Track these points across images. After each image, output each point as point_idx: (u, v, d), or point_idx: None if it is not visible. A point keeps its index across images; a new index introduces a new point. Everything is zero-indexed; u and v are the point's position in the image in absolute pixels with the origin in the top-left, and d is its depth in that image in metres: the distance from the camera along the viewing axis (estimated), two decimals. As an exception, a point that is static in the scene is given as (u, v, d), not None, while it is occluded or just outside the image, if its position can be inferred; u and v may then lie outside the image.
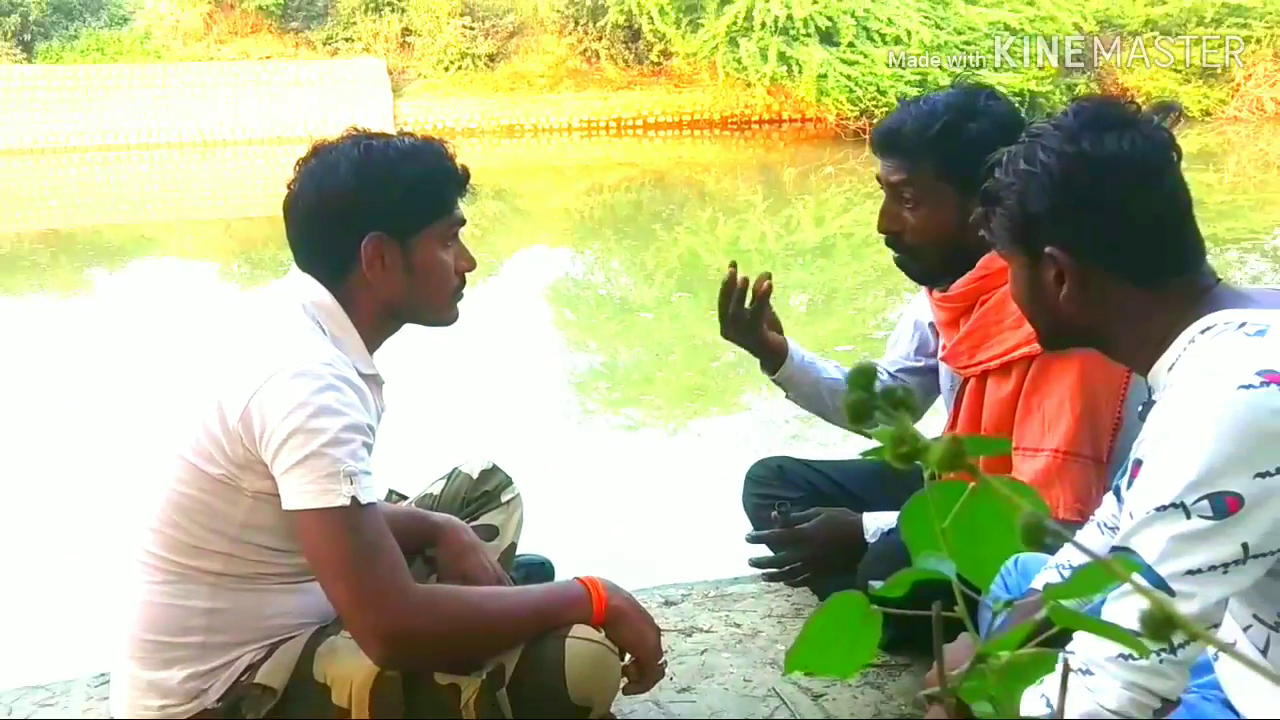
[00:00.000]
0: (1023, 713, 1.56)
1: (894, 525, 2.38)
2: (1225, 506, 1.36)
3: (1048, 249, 1.56)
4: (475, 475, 2.47)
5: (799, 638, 0.79)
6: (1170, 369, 1.53)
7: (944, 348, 2.43)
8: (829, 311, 8.72)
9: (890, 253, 2.36)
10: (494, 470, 2.49)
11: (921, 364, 2.64)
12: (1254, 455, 1.36)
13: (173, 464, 1.92)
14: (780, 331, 2.58)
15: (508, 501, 2.47)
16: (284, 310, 1.97)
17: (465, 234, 2.08)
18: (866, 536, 2.40)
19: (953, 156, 2.20)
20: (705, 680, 2.41)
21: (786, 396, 2.68)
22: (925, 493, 0.80)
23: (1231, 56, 15.67)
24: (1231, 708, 1.63)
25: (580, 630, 1.93)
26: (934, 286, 2.39)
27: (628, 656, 2.01)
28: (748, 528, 2.67)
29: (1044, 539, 0.56)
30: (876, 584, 0.74)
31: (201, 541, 1.92)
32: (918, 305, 2.63)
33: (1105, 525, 1.95)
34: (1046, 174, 1.56)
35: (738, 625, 2.64)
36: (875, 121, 14.32)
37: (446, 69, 16.75)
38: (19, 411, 5.91)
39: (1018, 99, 15.15)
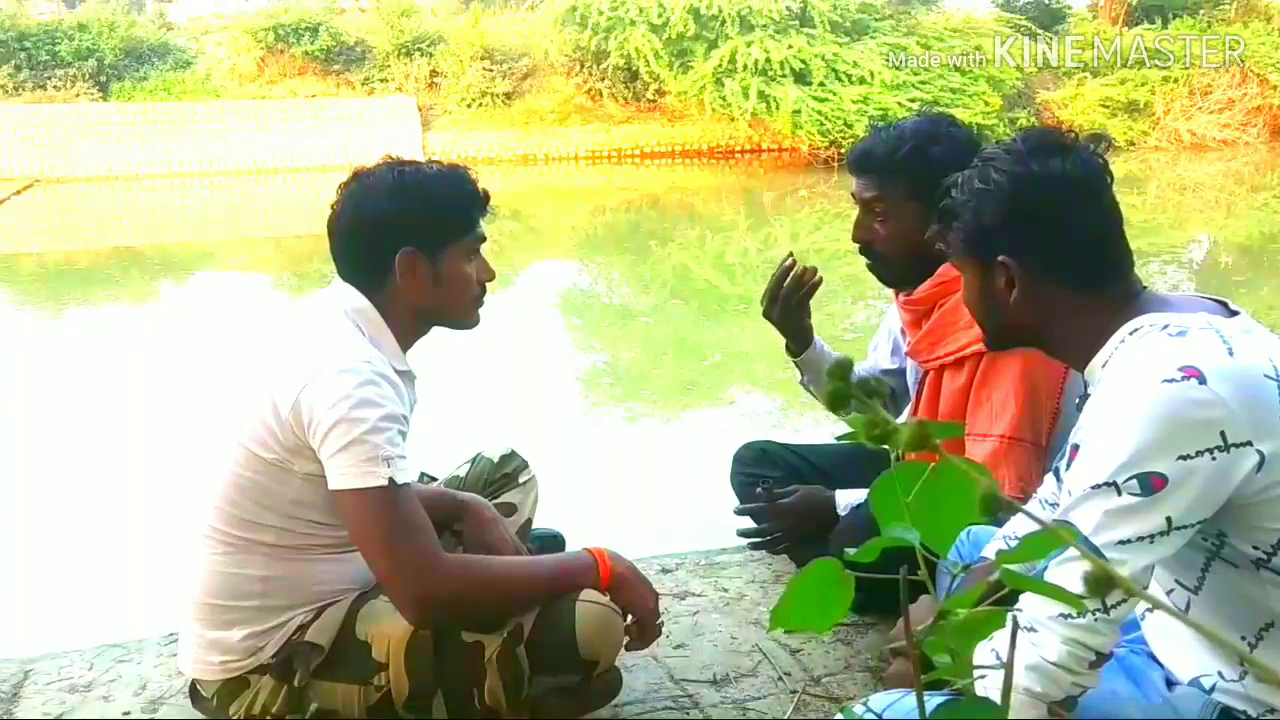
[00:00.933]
0: (974, 664, 1.56)
1: (863, 500, 2.38)
2: (1151, 485, 1.36)
3: (1000, 258, 1.56)
4: (496, 459, 2.47)
5: (782, 598, 0.78)
6: (1104, 365, 1.53)
7: (908, 344, 2.44)
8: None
9: (859, 264, 2.36)
10: (512, 455, 2.49)
11: (896, 365, 2.64)
12: (1176, 440, 1.36)
13: (232, 450, 1.92)
14: (810, 319, 2.60)
15: (525, 482, 2.47)
16: (327, 315, 1.97)
17: (486, 249, 2.08)
18: (838, 510, 2.40)
19: (919, 176, 2.20)
20: (697, 638, 2.40)
21: (800, 380, 2.69)
22: (892, 472, 0.80)
23: (1152, 94, 15.67)
24: (1156, 660, 1.63)
25: (588, 594, 1.93)
26: (901, 290, 2.40)
27: (630, 617, 2.01)
28: (735, 503, 2.66)
29: (998, 510, 0.56)
30: (851, 551, 0.74)
31: (257, 517, 1.91)
32: (892, 315, 2.63)
33: (1046, 502, 1.95)
34: (1000, 191, 1.56)
35: (725, 590, 2.63)
36: (843, 151, 14.34)
37: (469, 106, 16.72)
38: (98, 405, 5.90)
39: (966, 131, 15.10)
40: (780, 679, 2.22)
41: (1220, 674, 1.52)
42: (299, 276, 10.69)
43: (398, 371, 1.96)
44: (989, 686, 1.50)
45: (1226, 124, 15.34)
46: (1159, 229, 11.90)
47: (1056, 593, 0.76)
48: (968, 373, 2.25)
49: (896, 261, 2.33)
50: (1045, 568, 1.45)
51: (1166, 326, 1.47)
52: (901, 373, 2.61)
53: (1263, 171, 14.80)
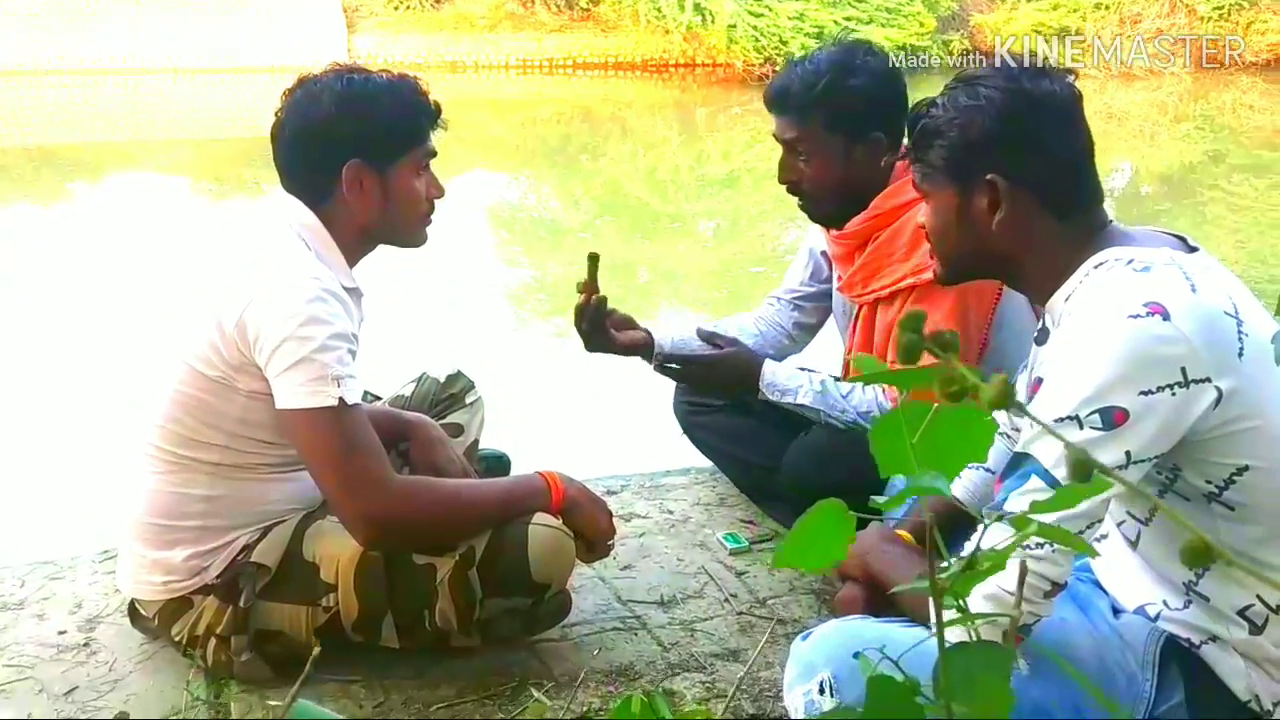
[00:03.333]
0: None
1: (789, 386, 2.34)
2: (1113, 419, 1.39)
3: (989, 176, 1.54)
4: (442, 379, 2.45)
5: (787, 539, 0.78)
6: (1067, 299, 1.54)
7: (839, 278, 2.43)
8: (735, 235, 8.71)
9: (781, 187, 2.34)
10: (458, 375, 2.47)
11: (815, 289, 2.62)
12: (1139, 375, 1.38)
13: (175, 367, 1.87)
14: (635, 328, 2.49)
15: (471, 403, 2.45)
16: (273, 229, 1.92)
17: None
18: (762, 385, 2.37)
19: (838, 110, 2.19)
20: (643, 560, 2.42)
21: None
22: (897, 412, 0.80)
23: (1084, 20, 15.74)
24: (1101, 587, 1.67)
25: (541, 517, 1.93)
26: (831, 226, 2.39)
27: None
28: (675, 426, 2.67)
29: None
30: (879, 499, 0.74)
31: (200, 435, 1.88)
32: (813, 235, 2.60)
33: (994, 431, 1.97)
34: (991, 106, 1.55)
35: (670, 512, 2.64)
36: (779, 68, 14.22)
37: (396, 8, 16.15)
38: (19, 313, 5.70)
39: (900, 53, 15.09)
40: (727, 600, 2.25)
41: (1165, 603, 1.56)
42: (218, 181, 10.40)
43: (346, 289, 1.92)
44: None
45: (1155, 53, 15.48)
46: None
47: (1065, 537, 0.76)
48: (899, 305, 2.26)
49: (825, 199, 2.31)
50: (1005, 499, 1.47)
51: (1131, 261, 1.48)
52: (821, 295, 2.60)
53: (1186, 102, 15.01)
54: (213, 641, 1.93)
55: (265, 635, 1.95)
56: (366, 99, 1.91)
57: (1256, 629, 1.48)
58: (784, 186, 2.32)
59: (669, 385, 2.74)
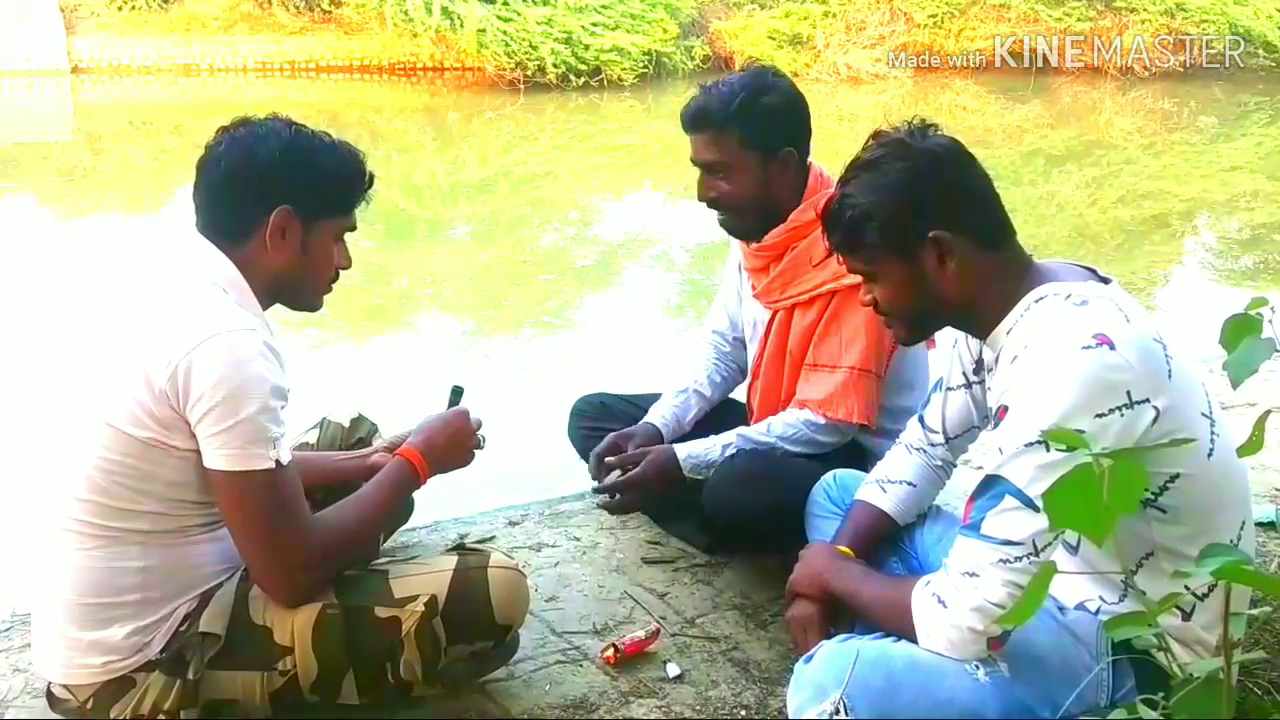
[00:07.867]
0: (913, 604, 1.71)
1: (710, 456, 2.41)
2: (1074, 441, 1.55)
3: (931, 233, 1.69)
4: (346, 424, 2.41)
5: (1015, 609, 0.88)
6: (1009, 332, 1.71)
7: (753, 288, 2.55)
8: (491, 240, 8.71)
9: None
10: (361, 419, 2.45)
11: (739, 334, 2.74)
12: (1093, 400, 1.56)
13: (97, 433, 1.79)
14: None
15: (378, 447, 2.42)
16: (193, 279, 1.85)
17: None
18: (685, 472, 2.44)
19: (754, 127, 2.32)
20: (565, 589, 2.45)
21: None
22: (1085, 472, 0.92)
23: (814, 28, 16.61)
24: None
25: (496, 559, 1.99)
26: (750, 239, 2.50)
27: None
28: (569, 449, 2.70)
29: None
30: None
31: (130, 504, 1.80)
32: (733, 255, 2.71)
33: (912, 447, 2.13)
34: (902, 176, 1.72)
35: (578, 539, 2.68)
36: (529, 73, 14.19)
37: (120, 9, 15.18)
38: None
39: (645, 58, 15.47)
40: (657, 624, 2.31)
41: (1102, 598, 1.76)
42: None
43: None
44: (931, 632, 1.66)
45: (879, 59, 16.51)
46: (820, 157, 12.70)
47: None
48: (818, 310, 2.40)
49: (745, 213, 2.43)
50: (982, 518, 1.61)
51: (1069, 296, 1.67)
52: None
53: (908, 104, 16.08)
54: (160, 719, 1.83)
55: (215, 706, 1.87)
56: (313, 151, 1.92)
57: (1186, 616, 1.68)
58: (704, 204, 2.42)
59: (561, 409, 2.77)
